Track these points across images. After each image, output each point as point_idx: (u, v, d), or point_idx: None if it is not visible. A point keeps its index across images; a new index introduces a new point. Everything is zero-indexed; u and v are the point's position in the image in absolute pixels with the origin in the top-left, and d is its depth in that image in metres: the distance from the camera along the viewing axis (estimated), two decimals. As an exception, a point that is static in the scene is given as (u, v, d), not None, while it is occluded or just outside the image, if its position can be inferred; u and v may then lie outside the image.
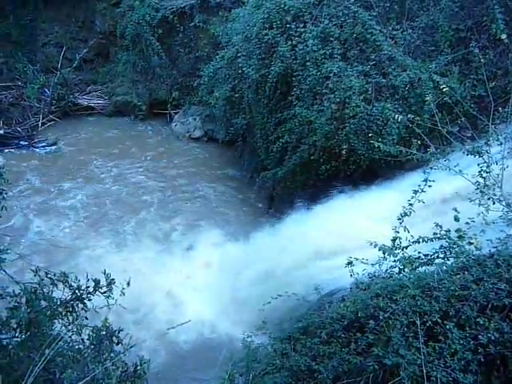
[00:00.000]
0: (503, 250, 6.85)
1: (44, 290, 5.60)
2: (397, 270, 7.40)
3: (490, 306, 6.18)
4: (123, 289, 5.79)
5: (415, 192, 7.25)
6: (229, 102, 16.72)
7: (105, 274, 5.80)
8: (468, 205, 7.11)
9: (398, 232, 7.21)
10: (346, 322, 7.28)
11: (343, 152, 12.92)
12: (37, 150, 19.51)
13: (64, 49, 22.04)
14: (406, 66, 12.97)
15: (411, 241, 7.28)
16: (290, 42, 13.47)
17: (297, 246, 11.63)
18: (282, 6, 13.65)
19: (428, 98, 10.97)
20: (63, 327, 5.62)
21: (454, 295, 6.36)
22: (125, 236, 15.13)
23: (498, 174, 7.10)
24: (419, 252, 7.35)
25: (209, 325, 12.03)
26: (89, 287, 5.77)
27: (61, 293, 5.76)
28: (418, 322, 6.13)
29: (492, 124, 8.05)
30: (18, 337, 5.32)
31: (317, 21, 13.47)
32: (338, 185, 13.34)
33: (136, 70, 21.31)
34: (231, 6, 19.14)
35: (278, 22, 13.72)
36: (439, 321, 6.16)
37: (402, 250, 7.21)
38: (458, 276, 6.60)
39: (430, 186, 7.21)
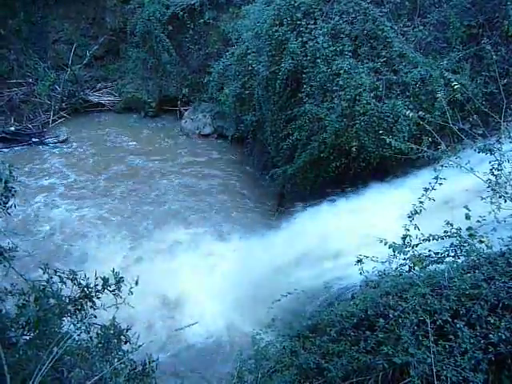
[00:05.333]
0: (515, 249, 6.81)
1: (53, 287, 5.59)
2: (407, 268, 7.36)
3: (500, 304, 6.13)
4: (131, 288, 5.78)
5: (426, 190, 7.20)
6: (239, 99, 16.71)
7: (113, 272, 5.80)
8: (479, 203, 7.06)
9: (408, 230, 7.17)
10: (355, 320, 7.25)
11: (353, 149, 12.89)
12: (47, 146, 19.56)
13: (74, 46, 22.10)
14: (417, 63, 12.90)
15: (421, 239, 7.24)
16: (300, 39, 13.41)
17: (306, 244, 11.61)
18: (293, 2, 13.59)
19: (439, 95, 10.87)
20: (72, 325, 5.62)
21: (464, 294, 6.32)
22: (133, 233, 15.17)
23: (509, 172, 7.04)
24: (429, 250, 7.31)
25: (218, 323, 12.04)
26: (97, 285, 5.76)
27: (69, 291, 5.77)
28: (428, 321, 6.09)
29: (504, 121, 7.98)
30: (26, 335, 5.32)
31: (327, 17, 13.42)
32: (348, 182, 13.31)
33: (146, 67, 21.37)
34: (241, 2, 19.10)
35: (289, 19, 13.67)
36: (449, 319, 6.12)
37: (412, 247, 7.17)
38: (469, 274, 6.56)
39: (440, 184, 7.16)
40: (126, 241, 14.79)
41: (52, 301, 5.50)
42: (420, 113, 8.07)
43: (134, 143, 19.81)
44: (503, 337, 5.80)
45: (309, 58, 13.25)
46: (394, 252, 6.97)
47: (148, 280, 11.07)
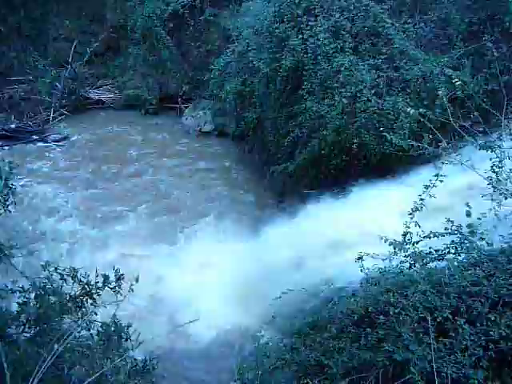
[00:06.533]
0: (515, 246, 6.82)
1: (53, 285, 5.59)
2: (407, 265, 7.36)
3: (501, 301, 6.14)
4: (132, 285, 5.78)
5: (426, 187, 7.20)
6: (239, 96, 16.67)
7: (114, 269, 5.80)
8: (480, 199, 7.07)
9: (408, 227, 7.16)
10: (356, 317, 7.26)
11: (354, 146, 12.87)
12: (48, 143, 19.52)
13: (75, 43, 21.99)
14: (418, 60, 12.91)
15: (422, 236, 7.24)
16: (300, 36, 13.41)
17: (306, 241, 11.60)
18: (293, -1, 13.61)
19: (440, 92, 10.88)
20: (72, 323, 5.62)
21: (465, 291, 6.33)
22: (130, 229, 15.18)
23: (510, 169, 7.04)
24: (430, 247, 7.31)
25: (219, 319, 12.02)
26: (98, 282, 5.76)
27: (70, 288, 5.76)
28: (429, 318, 6.10)
29: (505, 118, 7.99)
30: (27, 332, 5.33)
31: (328, 14, 13.41)
32: (348, 179, 13.28)
33: (146, 64, 21.27)
34: (242, -1, 19.09)
35: (289, 16, 13.66)
36: (450, 317, 6.13)
37: (413, 245, 7.17)
38: (470, 272, 6.57)
39: (441, 181, 7.16)
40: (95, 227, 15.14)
41: (52, 298, 5.50)
42: (421, 110, 8.10)
43: (135, 140, 19.75)
44: (503, 334, 5.82)
45: (309, 54, 13.24)
46: (395, 249, 6.98)
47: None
